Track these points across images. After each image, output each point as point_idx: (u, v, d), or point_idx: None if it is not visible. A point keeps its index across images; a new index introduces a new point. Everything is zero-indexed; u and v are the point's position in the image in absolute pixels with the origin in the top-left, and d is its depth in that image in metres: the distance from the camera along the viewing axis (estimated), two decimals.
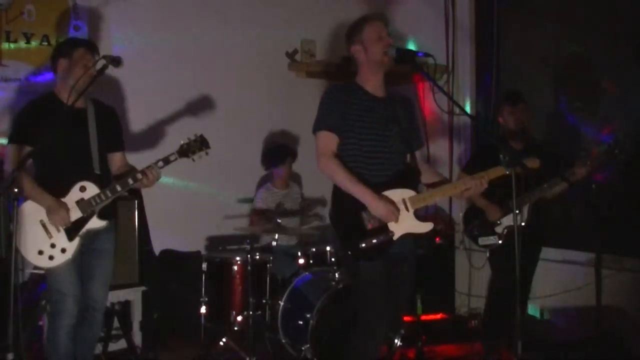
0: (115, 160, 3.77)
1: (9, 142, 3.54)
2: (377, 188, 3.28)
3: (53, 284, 3.54)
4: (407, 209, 3.31)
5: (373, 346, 3.37)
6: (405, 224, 3.31)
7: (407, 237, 3.33)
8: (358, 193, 3.24)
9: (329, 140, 3.33)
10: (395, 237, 3.29)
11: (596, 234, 4.43)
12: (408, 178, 3.41)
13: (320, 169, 3.33)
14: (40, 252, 3.44)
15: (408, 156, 3.51)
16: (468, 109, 5.72)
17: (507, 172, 3.25)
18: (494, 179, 3.38)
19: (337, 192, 3.35)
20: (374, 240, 3.25)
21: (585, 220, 4.96)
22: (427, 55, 3.38)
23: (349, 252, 3.31)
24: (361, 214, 3.26)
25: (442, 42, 5.85)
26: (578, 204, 5.10)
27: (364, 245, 3.25)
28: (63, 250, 3.46)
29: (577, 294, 4.86)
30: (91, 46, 3.66)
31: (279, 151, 5.46)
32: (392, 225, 3.29)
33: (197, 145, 3.62)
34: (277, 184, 5.46)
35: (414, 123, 3.59)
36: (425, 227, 3.37)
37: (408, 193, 3.34)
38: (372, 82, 3.43)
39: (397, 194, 3.32)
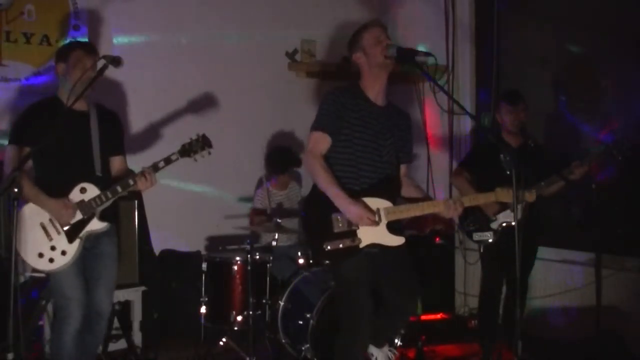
0: (115, 164, 3.73)
1: (9, 143, 3.51)
2: (357, 195, 3.29)
3: (56, 288, 3.51)
4: (379, 220, 3.31)
5: (360, 344, 3.38)
6: (374, 234, 3.31)
7: (375, 247, 3.31)
8: (333, 195, 3.25)
9: (321, 141, 3.36)
10: (361, 245, 3.29)
11: (596, 234, 4.42)
12: (389, 188, 3.41)
13: (304, 165, 3.39)
14: (40, 255, 3.40)
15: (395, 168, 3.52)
16: (468, 108, 5.72)
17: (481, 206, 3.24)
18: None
19: (313, 193, 3.39)
20: (340, 245, 3.25)
21: (585, 220, 4.96)
22: (427, 54, 3.39)
23: (314, 252, 3.34)
24: (331, 216, 3.27)
25: (442, 42, 5.85)
26: (578, 204, 5.10)
27: (328, 247, 3.25)
28: (63, 253, 3.43)
29: (577, 294, 4.86)
30: (88, 47, 3.60)
31: (280, 160, 5.38)
32: (360, 233, 3.29)
33: (198, 145, 3.60)
34: (275, 185, 5.45)
35: (408, 137, 3.61)
36: (396, 240, 3.35)
37: (384, 203, 3.33)
38: (374, 89, 3.44)
39: (373, 203, 3.31)
